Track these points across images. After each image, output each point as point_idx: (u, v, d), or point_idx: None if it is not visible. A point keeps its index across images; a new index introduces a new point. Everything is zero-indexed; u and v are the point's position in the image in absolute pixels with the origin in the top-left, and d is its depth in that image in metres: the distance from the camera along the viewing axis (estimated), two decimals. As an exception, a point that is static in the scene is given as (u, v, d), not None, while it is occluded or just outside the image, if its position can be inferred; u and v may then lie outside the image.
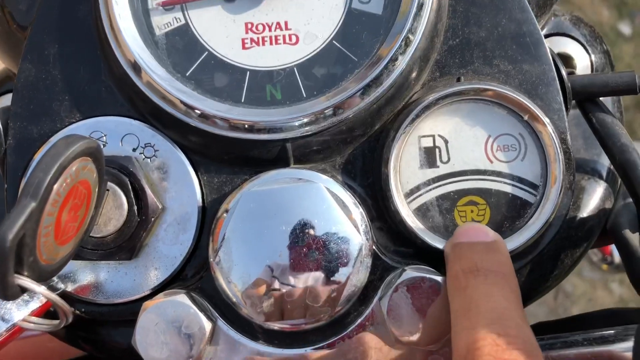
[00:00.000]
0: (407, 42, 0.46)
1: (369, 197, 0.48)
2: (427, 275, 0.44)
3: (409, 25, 0.46)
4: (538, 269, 0.51)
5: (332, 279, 0.44)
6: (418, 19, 0.46)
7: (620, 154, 0.49)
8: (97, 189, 0.44)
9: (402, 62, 0.46)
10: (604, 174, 0.56)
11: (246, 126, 0.46)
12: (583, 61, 0.59)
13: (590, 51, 0.59)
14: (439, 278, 0.44)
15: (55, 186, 0.38)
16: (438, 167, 0.48)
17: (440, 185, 0.48)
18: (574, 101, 0.52)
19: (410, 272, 0.44)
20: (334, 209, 0.45)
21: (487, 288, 0.40)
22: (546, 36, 0.60)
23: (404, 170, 0.48)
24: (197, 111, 0.47)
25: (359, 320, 0.46)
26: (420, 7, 0.46)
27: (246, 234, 0.44)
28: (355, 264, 0.44)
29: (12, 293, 0.38)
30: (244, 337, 0.46)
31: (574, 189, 0.49)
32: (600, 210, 0.54)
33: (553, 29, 0.60)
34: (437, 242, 0.47)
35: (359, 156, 0.49)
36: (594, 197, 0.55)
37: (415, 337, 0.44)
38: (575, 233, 0.53)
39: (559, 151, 0.47)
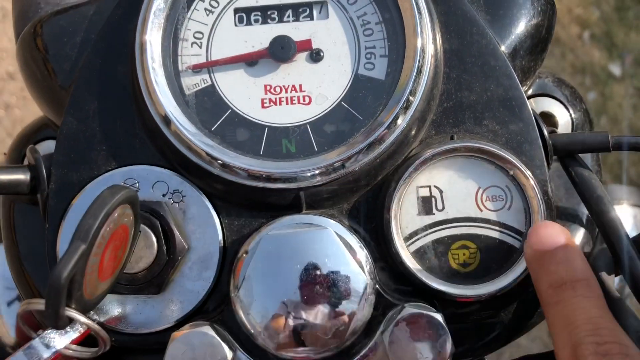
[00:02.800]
0: (407, 105, 0.52)
1: (372, 240, 0.54)
2: (425, 312, 0.49)
3: (409, 89, 0.53)
4: (524, 308, 0.57)
5: (339, 314, 0.50)
6: (417, 84, 0.53)
7: (596, 205, 0.55)
8: (132, 231, 0.50)
9: (402, 122, 0.52)
10: (584, 221, 0.62)
11: (264, 176, 0.52)
12: (564, 118, 0.66)
13: (571, 110, 0.66)
14: (435, 314, 0.50)
15: (101, 231, 0.44)
16: (434, 214, 0.54)
17: (436, 231, 0.54)
18: (555, 156, 0.59)
19: (410, 309, 0.50)
20: (342, 251, 0.50)
21: (578, 301, 0.46)
22: (531, 96, 0.66)
23: (404, 217, 0.54)
24: (219, 162, 0.53)
25: (363, 352, 0.51)
26: (419, 74, 0.53)
27: (265, 273, 0.50)
28: (361, 301, 0.50)
29: (62, 323, 0.43)
30: (260, 365, 0.51)
31: (555, 235, 0.55)
32: (580, 254, 0.60)
33: (537, 89, 0.67)
34: (433, 282, 0.53)
35: (364, 203, 0.55)
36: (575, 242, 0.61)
37: (413, 368, 0.49)
38: (557, 274, 0.58)
39: (541, 202, 0.53)
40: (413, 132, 0.54)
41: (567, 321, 0.45)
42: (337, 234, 0.51)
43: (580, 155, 0.60)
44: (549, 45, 0.63)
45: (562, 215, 0.61)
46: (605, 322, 0.44)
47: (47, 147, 0.66)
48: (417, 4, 0.54)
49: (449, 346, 0.49)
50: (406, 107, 0.52)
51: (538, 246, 0.49)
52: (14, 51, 0.64)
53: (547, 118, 0.65)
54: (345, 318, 0.50)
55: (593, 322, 0.44)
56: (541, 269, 0.49)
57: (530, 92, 0.66)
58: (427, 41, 0.54)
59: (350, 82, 0.55)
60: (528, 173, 0.53)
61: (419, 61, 0.53)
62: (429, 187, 0.54)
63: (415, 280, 0.53)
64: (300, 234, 0.51)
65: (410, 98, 0.53)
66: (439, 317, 0.49)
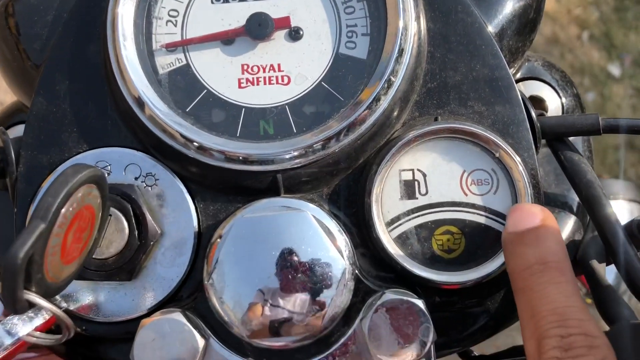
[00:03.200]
0: (388, 85, 0.50)
1: (353, 225, 0.52)
2: (405, 298, 0.47)
3: (390, 69, 0.51)
4: (512, 296, 0.54)
5: (317, 300, 0.47)
6: (399, 63, 0.51)
7: (586, 189, 0.53)
8: (100, 214, 0.48)
9: (384, 103, 0.50)
10: (574, 208, 0.60)
11: (240, 158, 0.50)
12: (554, 103, 0.64)
13: (561, 94, 0.64)
14: (416, 300, 0.47)
15: (63, 210, 0.42)
16: (417, 198, 0.52)
17: (419, 216, 0.52)
18: (545, 140, 0.57)
19: (390, 295, 0.47)
20: (320, 236, 0.48)
21: (544, 288, 0.43)
22: (520, 80, 0.64)
23: (386, 201, 0.52)
24: (195, 144, 0.51)
25: (342, 340, 0.49)
26: (401, 53, 0.51)
27: (238, 258, 0.47)
28: (339, 286, 0.47)
29: (20, 307, 0.41)
30: (234, 354, 0.49)
31: (543, 221, 0.53)
32: (570, 242, 0.58)
33: (527, 73, 0.65)
34: (416, 268, 0.50)
35: (344, 187, 0.53)
36: (565, 230, 0.59)
37: (393, 356, 0.47)
38: (546, 262, 0.56)
39: (528, 186, 0.51)
40: (395, 113, 0.52)
41: (533, 311, 0.42)
42: (315, 217, 0.49)
43: (571, 140, 0.58)
44: (538, 26, 0.61)
45: (552, 202, 0.59)
46: (573, 312, 0.41)
47: (18, 131, 0.64)
48: (399, -20, 0.52)
49: (431, 334, 0.47)
50: (387, 87, 0.50)
51: (511, 228, 0.47)
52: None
53: (537, 102, 0.63)
54: (323, 305, 0.47)
55: (559, 312, 0.41)
56: (509, 252, 0.47)
57: (519, 75, 0.64)
58: (409, 20, 0.52)
59: (331, 61, 0.53)
60: (514, 155, 0.51)
61: (401, 40, 0.51)
62: (412, 170, 0.52)
63: (397, 266, 0.51)
64: (276, 217, 0.49)
65: (392, 78, 0.51)
66: (420, 303, 0.47)
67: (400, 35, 0.51)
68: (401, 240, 0.52)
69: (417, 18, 0.53)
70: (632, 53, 2.94)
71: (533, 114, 0.54)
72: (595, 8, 3.01)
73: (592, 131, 0.55)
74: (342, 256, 0.48)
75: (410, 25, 0.52)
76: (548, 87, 0.64)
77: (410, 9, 0.52)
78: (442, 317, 0.52)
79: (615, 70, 2.91)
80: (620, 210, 1.18)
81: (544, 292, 0.42)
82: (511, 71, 0.56)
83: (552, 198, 0.60)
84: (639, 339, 0.45)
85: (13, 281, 0.39)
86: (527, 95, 0.63)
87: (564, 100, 0.64)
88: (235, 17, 0.54)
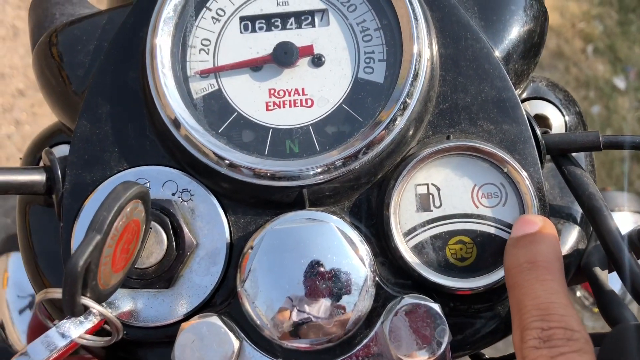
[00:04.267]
0: (404, 106, 0.55)
1: (372, 236, 0.57)
2: (423, 302, 0.52)
3: (405, 92, 0.55)
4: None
5: (341, 305, 0.52)
6: (413, 87, 0.55)
7: (589, 201, 0.57)
8: (144, 227, 0.53)
9: (400, 123, 0.55)
10: (578, 219, 0.64)
11: (269, 175, 0.55)
12: (558, 121, 0.68)
13: (564, 112, 0.68)
14: (433, 305, 0.52)
15: (115, 223, 0.46)
16: (432, 211, 0.56)
17: (434, 227, 0.56)
18: (549, 156, 0.61)
19: (408, 300, 0.52)
20: (344, 246, 0.53)
21: (530, 284, 0.47)
22: (526, 99, 0.69)
23: (403, 213, 0.56)
24: (227, 161, 0.55)
25: (365, 341, 0.53)
26: (415, 77, 0.56)
27: (269, 266, 0.52)
28: (361, 293, 0.52)
29: (77, 311, 0.46)
30: (265, 355, 0.53)
31: (549, 231, 0.57)
32: (574, 251, 0.62)
33: (532, 93, 0.69)
34: (432, 275, 0.55)
35: (364, 201, 0.57)
36: (569, 239, 0.63)
37: (412, 357, 0.51)
38: (552, 270, 0.60)
39: (534, 198, 0.55)
40: (411, 132, 0.57)
41: (519, 305, 0.47)
42: (338, 228, 0.53)
43: (574, 155, 0.62)
44: (542, 49, 0.65)
45: (557, 214, 0.63)
46: (555, 308, 0.45)
47: (60, 151, 0.69)
48: (413, 11, 0.57)
49: (446, 335, 0.51)
50: (403, 109, 0.55)
51: (513, 234, 0.52)
52: (24, 69, 0.67)
53: (541, 120, 0.68)
54: (347, 310, 0.52)
55: (542, 307, 0.45)
56: (506, 254, 0.51)
57: (524, 95, 0.68)
58: (423, 46, 0.56)
59: (351, 85, 0.58)
60: (521, 170, 0.55)
61: (415, 65, 0.56)
62: (427, 184, 0.57)
63: (414, 273, 0.55)
64: (303, 229, 0.53)
65: (407, 100, 0.55)
66: (436, 307, 0.51)
67: (414, 61, 0.56)
68: (417, 249, 0.56)
69: (430, 44, 0.57)
70: (637, 66, 2.98)
71: (538, 132, 0.58)
72: (599, 22, 3.06)
73: (593, 147, 0.59)
74: (364, 264, 0.53)
75: (423, 51, 0.56)
76: (552, 106, 0.68)
77: (424, 36, 0.57)
78: (455, 322, 0.56)
79: (620, 83, 2.95)
80: (625, 221, 1.22)
81: (529, 288, 0.47)
82: (517, 92, 0.61)
83: (557, 210, 0.64)
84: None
85: (73, 287, 0.44)
86: (533, 113, 0.68)
87: (567, 118, 0.68)
88: (262, 46, 0.59)
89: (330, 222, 0.54)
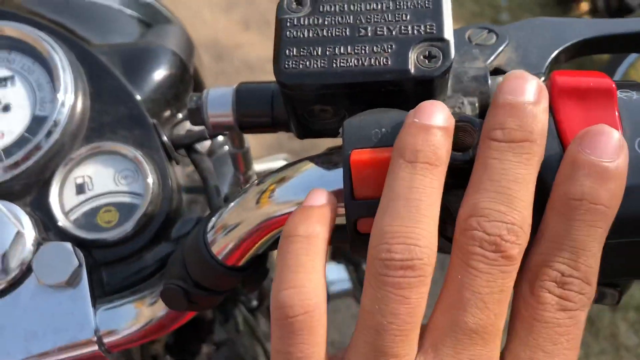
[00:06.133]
0: (49, 134, 0.82)
1: (43, 215, 0.81)
2: (60, 243, 0.75)
3: (50, 124, 0.82)
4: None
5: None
6: (57, 120, 0.83)
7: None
8: None
9: (45, 147, 0.81)
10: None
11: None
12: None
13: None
14: (67, 244, 0.75)
15: None
16: (86, 192, 0.82)
17: (88, 203, 0.81)
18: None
19: (49, 243, 0.75)
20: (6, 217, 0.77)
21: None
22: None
23: (65, 198, 0.81)
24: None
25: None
26: (59, 115, 0.83)
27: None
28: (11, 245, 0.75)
29: None
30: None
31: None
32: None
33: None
34: (84, 234, 0.79)
35: (40, 193, 0.82)
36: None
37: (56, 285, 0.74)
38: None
39: (158, 176, 0.81)
40: (66, 147, 0.83)
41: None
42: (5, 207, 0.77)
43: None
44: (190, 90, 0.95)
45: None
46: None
47: None
48: (63, 67, 0.85)
49: (73, 267, 0.74)
50: (48, 135, 0.81)
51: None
52: None
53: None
54: None
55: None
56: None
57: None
58: (69, 93, 0.84)
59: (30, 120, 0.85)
60: (144, 159, 0.82)
61: (59, 108, 0.83)
62: (83, 176, 0.83)
63: (72, 235, 0.79)
64: (-17, 213, 0.77)
65: (52, 129, 0.82)
66: (68, 245, 0.75)
67: (58, 106, 0.84)
68: (77, 221, 0.80)
69: (76, 91, 0.86)
70: None
71: (163, 136, 0.86)
72: None
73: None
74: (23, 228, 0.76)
75: (67, 97, 0.84)
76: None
77: (70, 86, 0.85)
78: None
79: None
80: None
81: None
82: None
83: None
84: None
85: None
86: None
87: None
88: (-34, 104, 0.86)
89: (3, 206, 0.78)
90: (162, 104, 0.92)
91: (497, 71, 0.59)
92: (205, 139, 0.88)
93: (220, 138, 1.01)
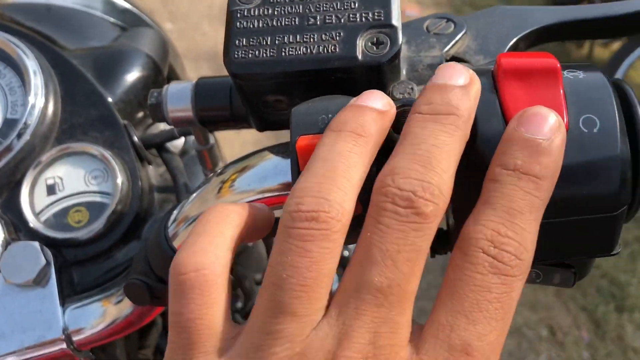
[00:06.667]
0: (19, 136, 0.82)
1: (14, 217, 0.81)
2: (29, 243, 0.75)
3: (20, 127, 0.83)
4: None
5: (-22, 259, 0.75)
6: (27, 124, 0.83)
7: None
8: None
9: (17, 147, 0.81)
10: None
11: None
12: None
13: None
14: (34, 243, 0.75)
15: None
16: (57, 193, 0.82)
17: (59, 203, 0.82)
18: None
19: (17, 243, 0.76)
20: (-21, 219, 0.77)
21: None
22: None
23: (36, 198, 0.82)
24: None
25: (-4, 281, 0.76)
26: (29, 118, 0.84)
27: None
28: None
29: None
30: None
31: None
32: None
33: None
34: (54, 234, 0.79)
35: (12, 193, 0.82)
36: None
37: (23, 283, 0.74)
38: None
39: (125, 177, 0.82)
40: (37, 149, 0.83)
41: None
42: (-25, 209, 0.78)
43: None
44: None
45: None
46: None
47: None
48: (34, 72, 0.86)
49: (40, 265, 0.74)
50: (19, 137, 0.82)
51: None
52: None
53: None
54: (-16, 262, 0.75)
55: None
56: None
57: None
58: (39, 96, 0.85)
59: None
60: (113, 159, 0.83)
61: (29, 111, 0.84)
62: (54, 177, 0.83)
63: (42, 235, 0.79)
64: (-47, 214, 0.77)
65: (22, 131, 0.82)
66: (36, 244, 0.75)
67: (28, 108, 0.84)
68: (48, 222, 0.81)
69: (47, 94, 0.86)
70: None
71: (134, 137, 0.86)
72: None
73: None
74: (-2, 231, 0.77)
75: (37, 101, 0.85)
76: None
77: (40, 89, 0.86)
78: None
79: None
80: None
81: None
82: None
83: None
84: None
85: None
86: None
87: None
88: (-62, 108, 0.86)
89: (-28, 206, 0.78)
90: (134, 105, 0.93)
91: (455, 60, 0.59)
92: (175, 138, 0.89)
93: (193, 138, 1.01)
